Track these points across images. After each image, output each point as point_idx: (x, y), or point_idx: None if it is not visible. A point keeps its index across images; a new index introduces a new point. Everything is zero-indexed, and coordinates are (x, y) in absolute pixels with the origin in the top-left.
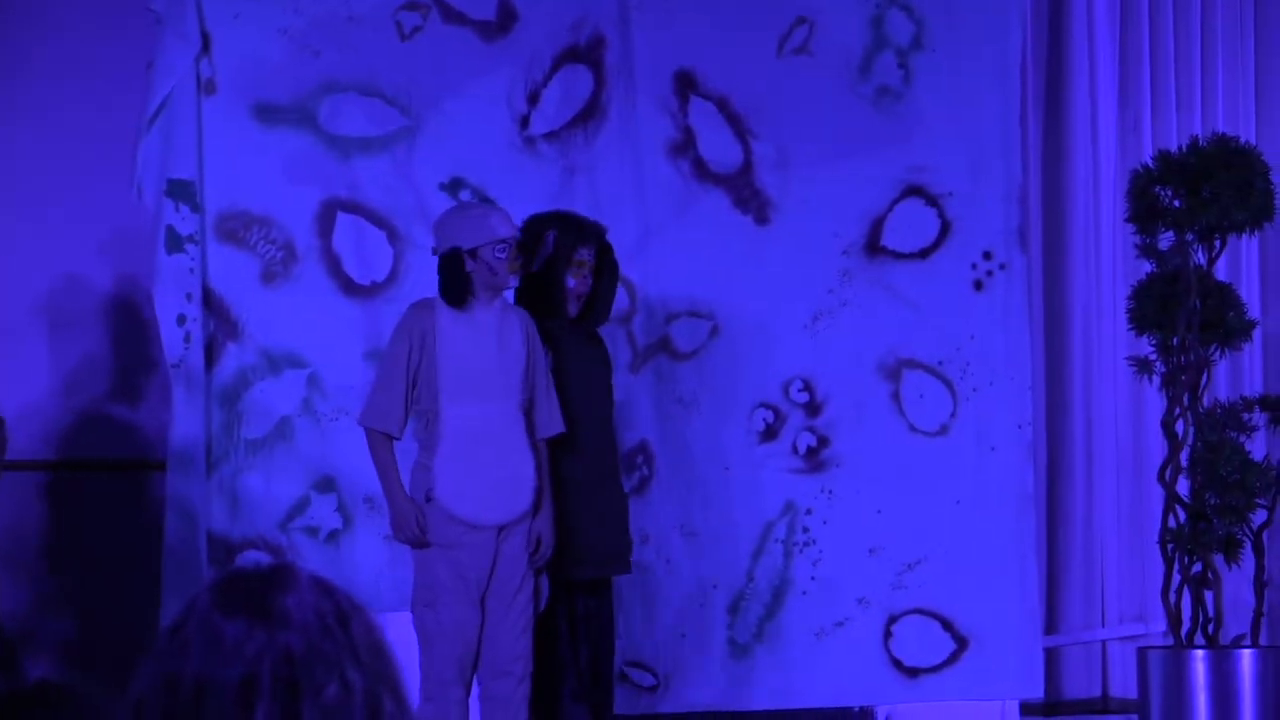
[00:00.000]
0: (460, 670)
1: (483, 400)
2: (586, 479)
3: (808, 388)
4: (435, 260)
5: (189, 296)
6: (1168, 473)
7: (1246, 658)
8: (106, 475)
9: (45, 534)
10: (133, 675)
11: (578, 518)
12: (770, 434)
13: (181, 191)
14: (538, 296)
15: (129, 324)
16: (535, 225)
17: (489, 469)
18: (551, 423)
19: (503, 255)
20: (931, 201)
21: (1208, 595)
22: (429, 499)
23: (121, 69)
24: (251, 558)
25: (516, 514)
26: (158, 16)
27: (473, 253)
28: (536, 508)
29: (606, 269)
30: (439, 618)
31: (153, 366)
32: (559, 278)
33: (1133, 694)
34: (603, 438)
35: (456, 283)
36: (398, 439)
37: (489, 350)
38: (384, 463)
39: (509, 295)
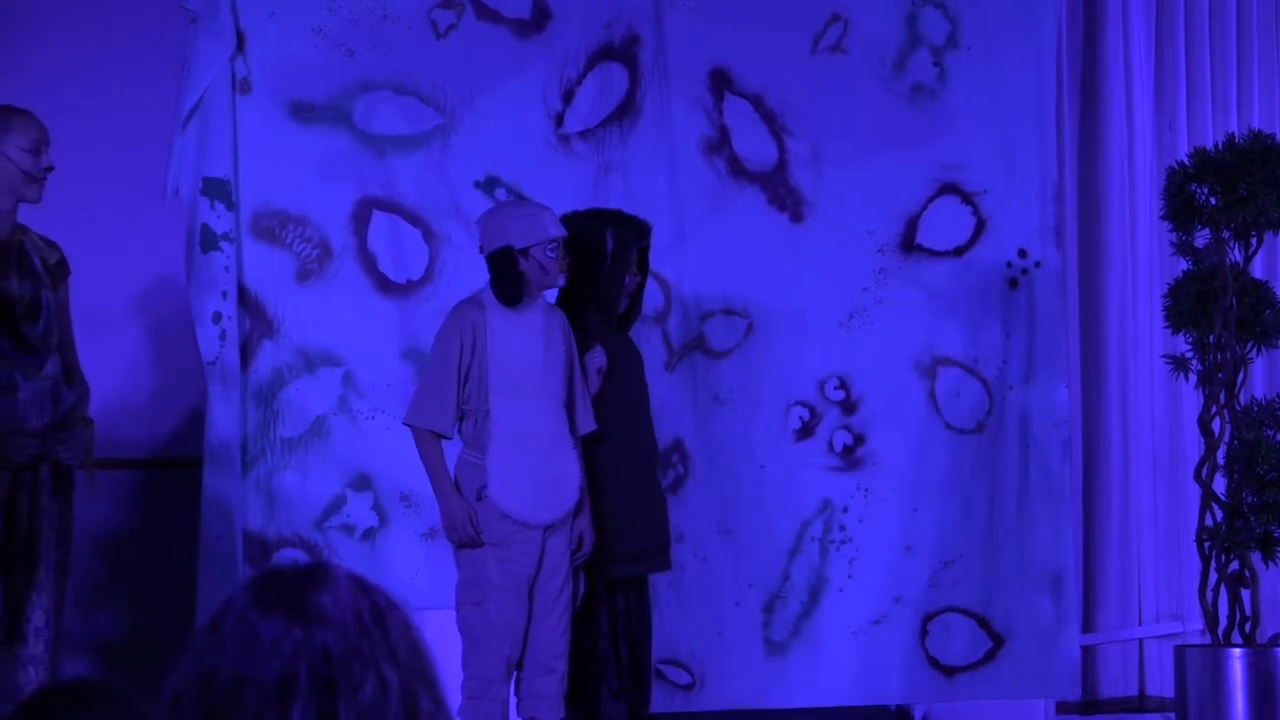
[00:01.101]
0: (507, 669)
1: (531, 398)
2: (628, 476)
3: (843, 385)
4: (472, 258)
5: (224, 295)
6: (1204, 471)
7: None
8: (142, 473)
9: (84, 531)
10: (169, 673)
11: (620, 515)
12: (806, 432)
13: (217, 190)
14: (592, 294)
15: (164, 322)
16: (586, 223)
17: (538, 467)
18: (587, 421)
19: (553, 254)
20: (966, 199)
21: (1245, 593)
22: (480, 498)
23: (155, 68)
24: (288, 556)
25: (563, 512)
26: (192, 15)
27: (524, 252)
28: (580, 506)
29: (646, 267)
30: (488, 616)
31: (188, 364)
32: (620, 276)
33: (1169, 693)
34: (644, 435)
35: (512, 281)
36: (448, 438)
37: (537, 349)
38: (434, 463)
39: (550, 293)
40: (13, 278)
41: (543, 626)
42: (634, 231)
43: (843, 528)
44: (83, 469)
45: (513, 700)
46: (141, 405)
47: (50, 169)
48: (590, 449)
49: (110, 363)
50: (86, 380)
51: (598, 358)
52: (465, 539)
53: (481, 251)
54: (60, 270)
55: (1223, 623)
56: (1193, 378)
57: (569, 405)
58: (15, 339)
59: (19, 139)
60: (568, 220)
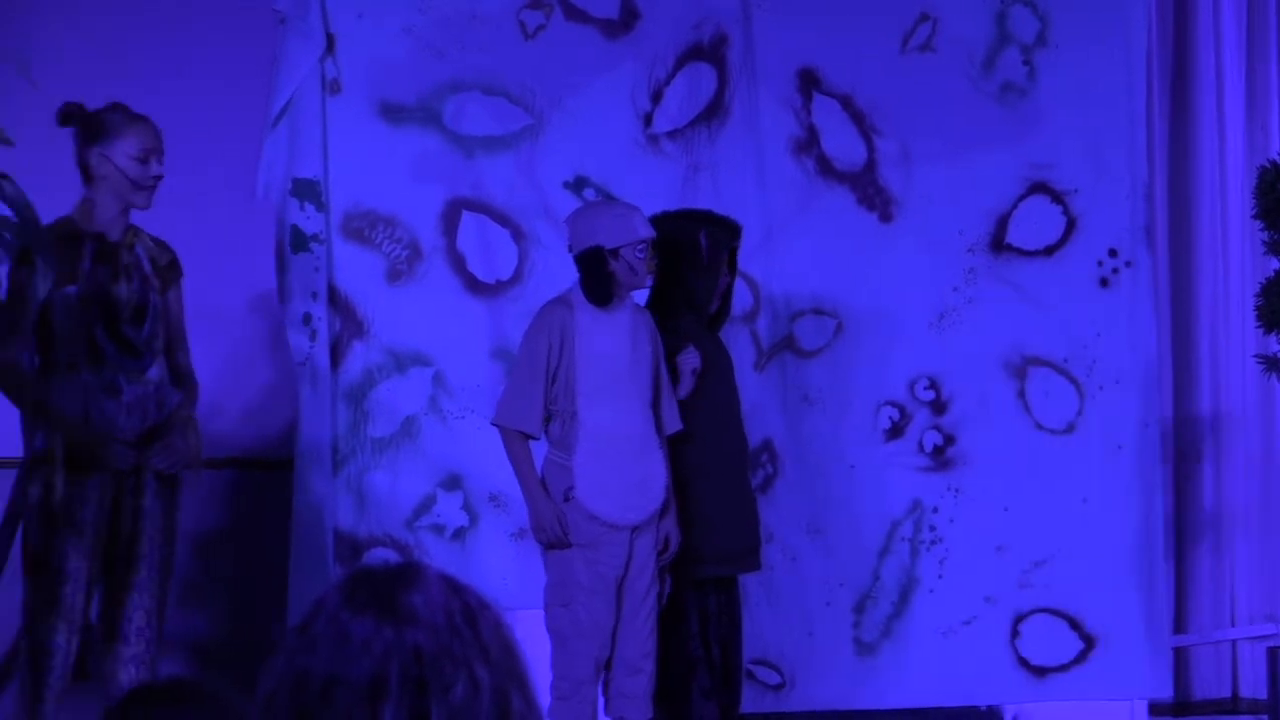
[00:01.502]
0: (596, 669)
1: (619, 399)
2: (718, 477)
3: (933, 385)
4: (561, 259)
5: (315, 295)
6: None
7: None
8: (235, 473)
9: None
10: (261, 673)
11: (709, 516)
12: (896, 432)
13: (307, 190)
14: (684, 295)
15: (257, 322)
16: (677, 224)
17: (626, 468)
18: (673, 420)
19: (642, 255)
20: (1057, 199)
21: None
22: (568, 498)
23: (244, 69)
24: (379, 556)
25: (650, 513)
26: (282, 16)
27: (614, 252)
28: (666, 506)
29: (734, 267)
30: (576, 617)
31: (281, 365)
32: (714, 277)
33: (1263, 694)
34: (733, 436)
35: (602, 282)
36: (536, 439)
37: (624, 349)
38: (522, 464)
39: (640, 294)
40: (121, 281)
41: (630, 627)
42: (726, 232)
43: (933, 528)
44: (187, 470)
45: (600, 700)
46: (234, 405)
47: (159, 178)
48: (679, 449)
49: (204, 363)
50: (197, 381)
51: (691, 359)
52: (553, 540)
53: (571, 251)
54: (171, 272)
55: None
56: None
57: (655, 405)
58: (119, 342)
59: (127, 146)
60: (657, 221)
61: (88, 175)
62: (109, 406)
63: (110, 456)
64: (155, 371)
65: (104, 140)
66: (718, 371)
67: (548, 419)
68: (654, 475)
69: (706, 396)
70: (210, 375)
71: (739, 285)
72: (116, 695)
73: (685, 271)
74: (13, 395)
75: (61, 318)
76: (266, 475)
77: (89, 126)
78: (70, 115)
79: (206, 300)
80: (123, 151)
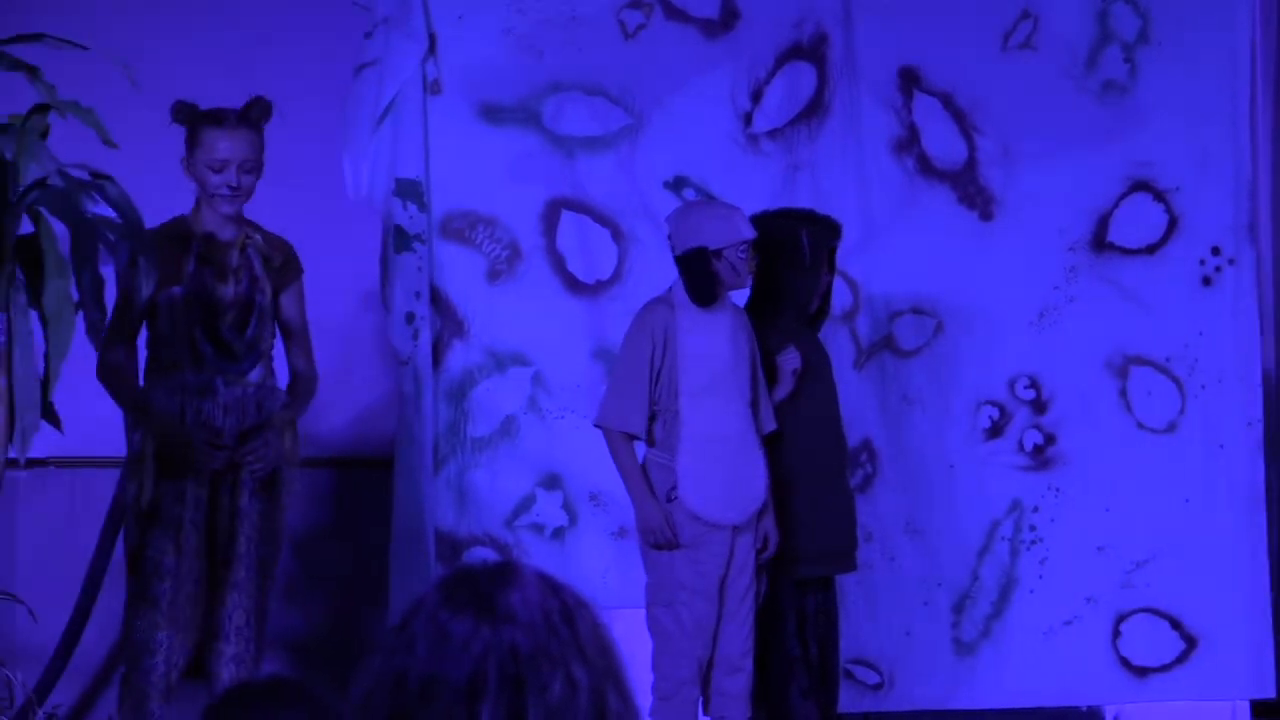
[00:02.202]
0: (698, 669)
1: (720, 399)
2: (815, 477)
3: (1034, 385)
4: (661, 258)
5: (417, 295)
6: None
7: None
8: (336, 472)
9: None
10: (359, 672)
11: (807, 515)
12: (996, 431)
13: (409, 191)
14: (787, 295)
15: (359, 321)
16: (778, 223)
17: (728, 468)
18: (768, 420)
19: (744, 255)
20: (1159, 197)
21: None
22: (671, 498)
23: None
24: (478, 555)
25: (751, 512)
26: (383, 16)
27: (718, 253)
28: (765, 506)
29: (834, 266)
30: (679, 616)
31: (382, 363)
32: (816, 276)
33: None
34: (832, 435)
35: (705, 282)
36: (639, 439)
37: (724, 349)
38: (627, 464)
39: (738, 294)
40: (229, 283)
41: (730, 626)
42: (827, 231)
43: (1033, 528)
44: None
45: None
46: (334, 404)
47: (237, 189)
48: (777, 449)
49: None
50: (313, 378)
51: (792, 359)
52: (662, 542)
53: (673, 251)
54: (287, 271)
55: None
56: None
57: (754, 405)
58: (217, 345)
59: (205, 155)
60: (757, 220)
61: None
62: (205, 407)
63: (200, 458)
64: (256, 374)
65: (190, 147)
66: (816, 371)
67: (650, 419)
68: (755, 475)
69: (805, 396)
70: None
71: (838, 284)
72: (217, 694)
73: (785, 271)
74: (116, 395)
75: (165, 319)
76: (368, 474)
77: (189, 131)
78: (179, 114)
79: (310, 300)
80: (201, 161)
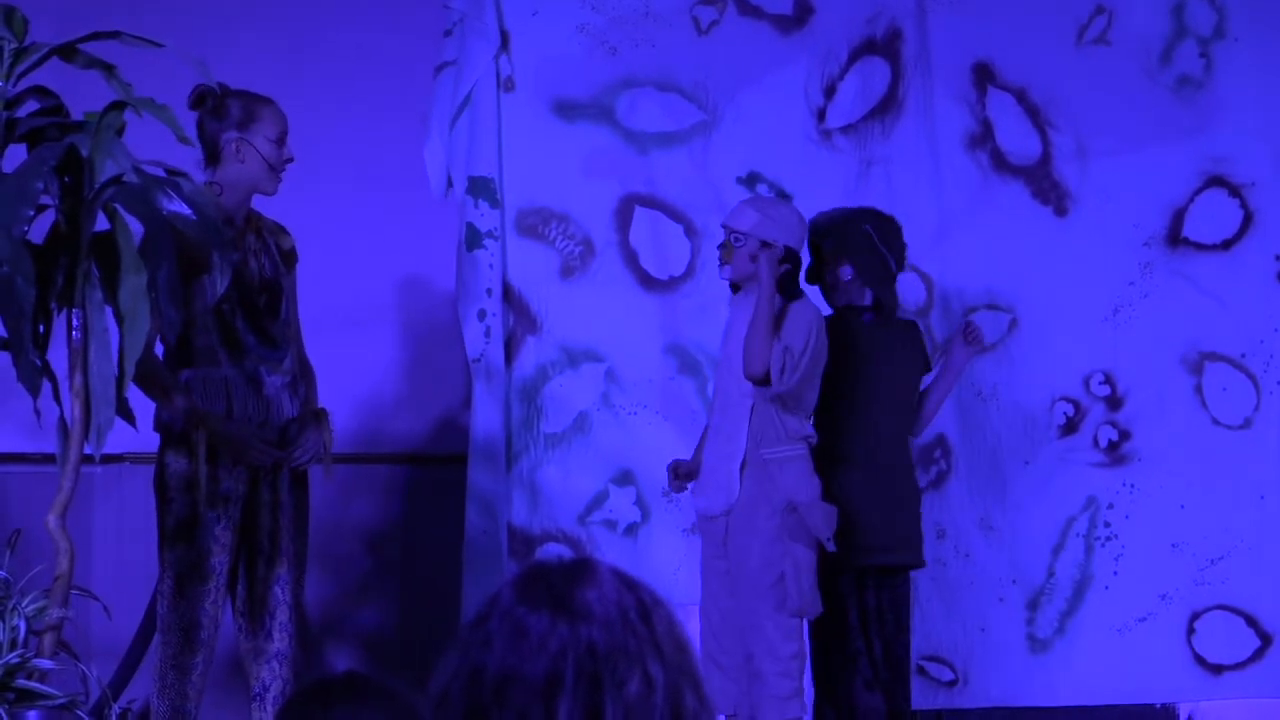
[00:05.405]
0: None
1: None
2: (873, 466)
3: (1109, 381)
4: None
5: (489, 292)
6: None
7: None
8: (408, 468)
9: (350, 526)
10: (435, 668)
11: (866, 505)
12: (1071, 428)
13: (481, 188)
14: (874, 287)
15: (428, 317)
16: (844, 219)
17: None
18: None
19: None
20: (1234, 192)
21: None
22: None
23: (411, 65)
24: (551, 551)
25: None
26: (459, 14)
27: (792, 254)
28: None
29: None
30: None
31: (452, 360)
32: (889, 268)
33: None
34: (892, 425)
35: (791, 278)
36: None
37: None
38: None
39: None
40: (252, 264)
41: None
42: (891, 224)
43: (1108, 524)
44: (319, 464)
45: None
46: (407, 400)
47: (290, 160)
48: (832, 440)
49: (375, 358)
50: (313, 368)
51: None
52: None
53: (758, 234)
54: (292, 254)
55: None
56: None
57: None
58: (260, 334)
59: (266, 129)
60: (822, 219)
61: (216, 158)
62: (251, 402)
63: (256, 456)
64: (289, 362)
65: (243, 124)
66: (873, 362)
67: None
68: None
69: (877, 387)
70: (383, 371)
71: (913, 280)
72: (262, 693)
73: (857, 262)
74: (151, 392)
75: (200, 307)
76: (441, 471)
77: (222, 109)
78: (203, 98)
79: (383, 298)
80: (262, 134)
